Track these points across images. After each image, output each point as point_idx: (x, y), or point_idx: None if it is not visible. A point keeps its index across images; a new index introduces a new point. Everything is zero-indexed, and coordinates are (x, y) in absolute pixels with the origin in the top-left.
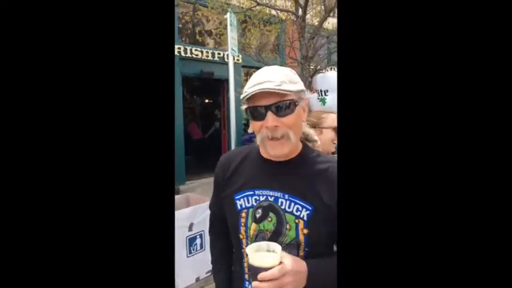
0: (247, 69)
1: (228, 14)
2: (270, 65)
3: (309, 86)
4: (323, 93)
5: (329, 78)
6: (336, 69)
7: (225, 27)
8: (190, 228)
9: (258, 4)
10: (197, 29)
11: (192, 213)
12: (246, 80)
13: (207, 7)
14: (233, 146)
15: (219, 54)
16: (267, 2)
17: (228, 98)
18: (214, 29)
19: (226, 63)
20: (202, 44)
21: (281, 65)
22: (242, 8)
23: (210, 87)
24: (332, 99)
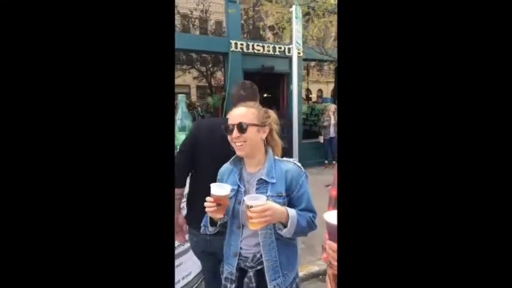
0: (308, 62)
1: (294, 6)
2: (333, 56)
3: None
4: None
5: None
6: None
7: (288, 21)
8: None
9: None
10: (259, 25)
11: None
12: (307, 74)
13: (271, 2)
14: (295, 137)
15: (280, 48)
16: None
17: (290, 92)
18: (276, 24)
19: (287, 57)
20: (263, 39)
21: None
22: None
23: (270, 81)
24: None
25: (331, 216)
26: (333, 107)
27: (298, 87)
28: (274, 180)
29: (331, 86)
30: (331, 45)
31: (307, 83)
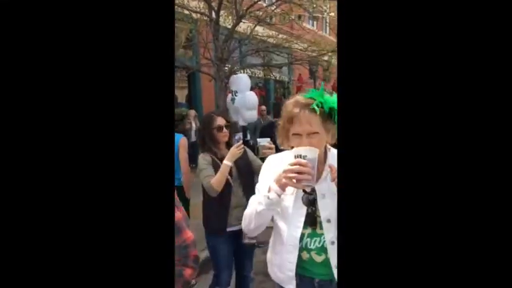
0: None
1: None
2: (184, 63)
3: (225, 87)
4: (234, 94)
5: (240, 80)
6: (246, 71)
7: None
8: None
9: None
10: None
11: None
12: None
13: None
14: None
15: None
16: (180, 2)
17: None
18: None
19: None
20: None
21: (196, 64)
22: None
23: None
24: (239, 99)
25: None
26: (192, 112)
27: None
28: None
29: (185, 92)
30: (181, 53)
31: None
